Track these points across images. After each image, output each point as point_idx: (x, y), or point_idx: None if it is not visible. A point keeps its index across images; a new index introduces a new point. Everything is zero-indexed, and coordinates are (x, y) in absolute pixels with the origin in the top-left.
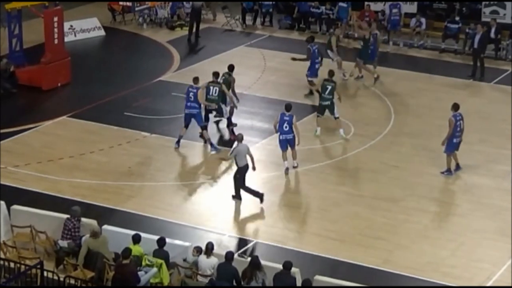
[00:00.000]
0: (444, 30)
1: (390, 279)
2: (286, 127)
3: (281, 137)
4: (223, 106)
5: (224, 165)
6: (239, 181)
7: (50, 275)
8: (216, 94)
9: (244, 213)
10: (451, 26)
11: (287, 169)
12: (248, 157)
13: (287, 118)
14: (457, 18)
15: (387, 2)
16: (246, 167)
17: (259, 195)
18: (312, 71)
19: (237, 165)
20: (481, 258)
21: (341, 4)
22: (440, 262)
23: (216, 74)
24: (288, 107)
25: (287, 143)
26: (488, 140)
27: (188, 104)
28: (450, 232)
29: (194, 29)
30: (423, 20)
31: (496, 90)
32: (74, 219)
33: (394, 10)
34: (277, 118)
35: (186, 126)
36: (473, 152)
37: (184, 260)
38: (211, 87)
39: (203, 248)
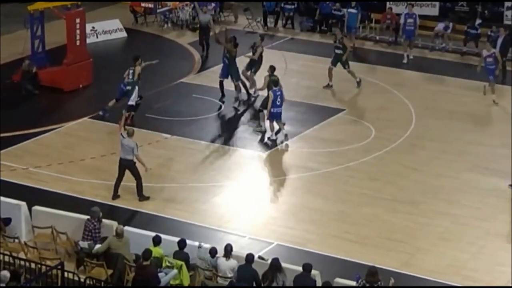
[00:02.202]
0: (465, 34)
1: (410, 282)
2: (278, 101)
3: (273, 110)
4: (134, 91)
5: (245, 167)
6: (121, 171)
7: (70, 276)
8: (131, 77)
9: (264, 215)
10: (471, 31)
11: (274, 140)
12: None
13: (278, 93)
14: (477, 22)
15: (402, 10)
16: (126, 162)
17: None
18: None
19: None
20: (502, 261)
21: (350, 10)
22: (460, 266)
23: (135, 59)
24: (276, 82)
25: (276, 116)
26: (510, 143)
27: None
28: (471, 235)
29: (204, 46)
30: (451, 25)
31: None
32: (95, 220)
33: (409, 20)
34: (272, 96)
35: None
36: (495, 155)
37: (199, 247)
38: (129, 71)
39: (217, 249)
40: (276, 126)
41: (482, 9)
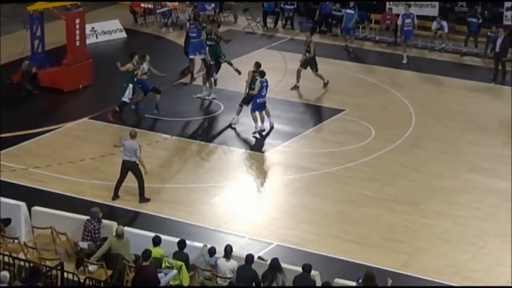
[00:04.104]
0: (467, 26)
1: (410, 283)
2: (264, 92)
3: (258, 101)
4: (128, 87)
5: (245, 167)
6: (123, 173)
7: (70, 276)
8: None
9: (264, 216)
10: (472, 20)
11: (261, 130)
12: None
13: (265, 84)
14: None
15: (402, 10)
16: (130, 164)
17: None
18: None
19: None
20: (502, 262)
21: (348, 11)
22: (460, 266)
23: (131, 55)
24: (263, 73)
25: (261, 106)
26: (509, 144)
27: None
28: (470, 236)
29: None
30: (444, 23)
31: None
32: (94, 220)
33: (407, 20)
34: (259, 86)
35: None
36: (495, 156)
37: (205, 245)
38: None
39: (216, 249)
40: (265, 120)
41: (482, 10)
